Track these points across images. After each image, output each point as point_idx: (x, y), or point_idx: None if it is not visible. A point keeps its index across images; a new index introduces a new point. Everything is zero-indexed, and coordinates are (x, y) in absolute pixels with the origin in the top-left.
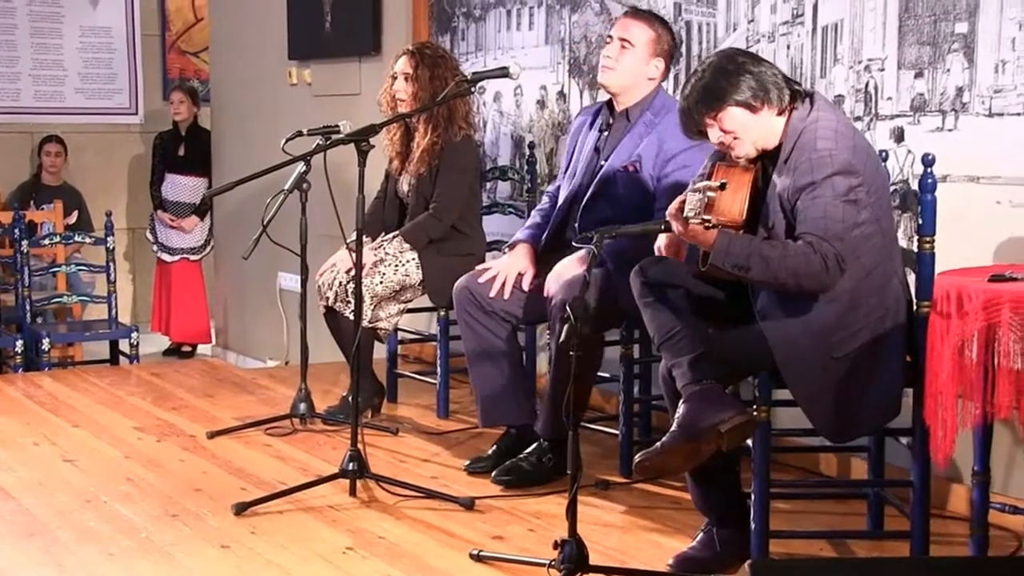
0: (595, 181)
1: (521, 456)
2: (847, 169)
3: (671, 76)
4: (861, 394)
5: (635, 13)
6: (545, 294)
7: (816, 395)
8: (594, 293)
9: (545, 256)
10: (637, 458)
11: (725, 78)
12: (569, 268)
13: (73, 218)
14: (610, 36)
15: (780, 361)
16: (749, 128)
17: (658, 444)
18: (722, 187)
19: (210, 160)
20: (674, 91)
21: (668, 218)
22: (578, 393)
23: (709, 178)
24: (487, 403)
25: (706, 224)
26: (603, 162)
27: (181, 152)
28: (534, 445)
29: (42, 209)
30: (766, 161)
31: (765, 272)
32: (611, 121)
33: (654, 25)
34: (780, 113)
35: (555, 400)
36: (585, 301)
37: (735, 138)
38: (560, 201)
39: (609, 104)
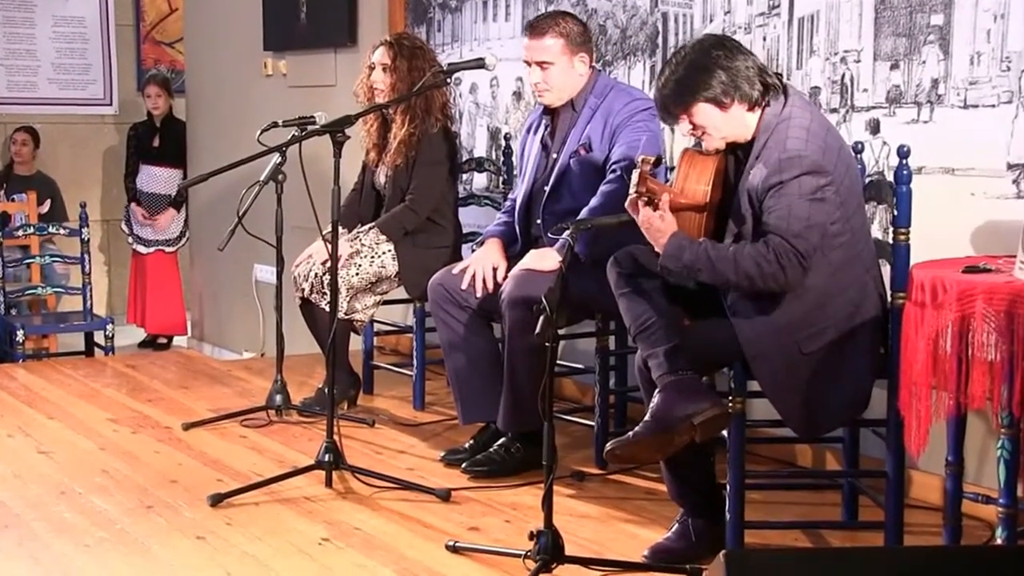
0: (552, 176)
1: (491, 449)
2: (815, 169)
3: (648, 68)
4: (829, 390)
5: (536, 29)
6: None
7: (785, 390)
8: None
9: (514, 256)
10: (609, 446)
11: (697, 73)
12: (536, 260)
13: (46, 207)
14: (526, 62)
15: (749, 356)
16: (719, 123)
17: (630, 433)
18: (657, 162)
19: (185, 151)
20: (651, 82)
21: (627, 207)
22: (531, 386)
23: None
24: (467, 401)
25: (640, 196)
26: (555, 155)
27: (156, 143)
28: (503, 437)
29: (13, 199)
30: (739, 153)
31: (715, 276)
32: (553, 119)
33: (556, 29)
34: (752, 108)
35: (513, 394)
36: (555, 292)
37: (705, 132)
38: (518, 204)
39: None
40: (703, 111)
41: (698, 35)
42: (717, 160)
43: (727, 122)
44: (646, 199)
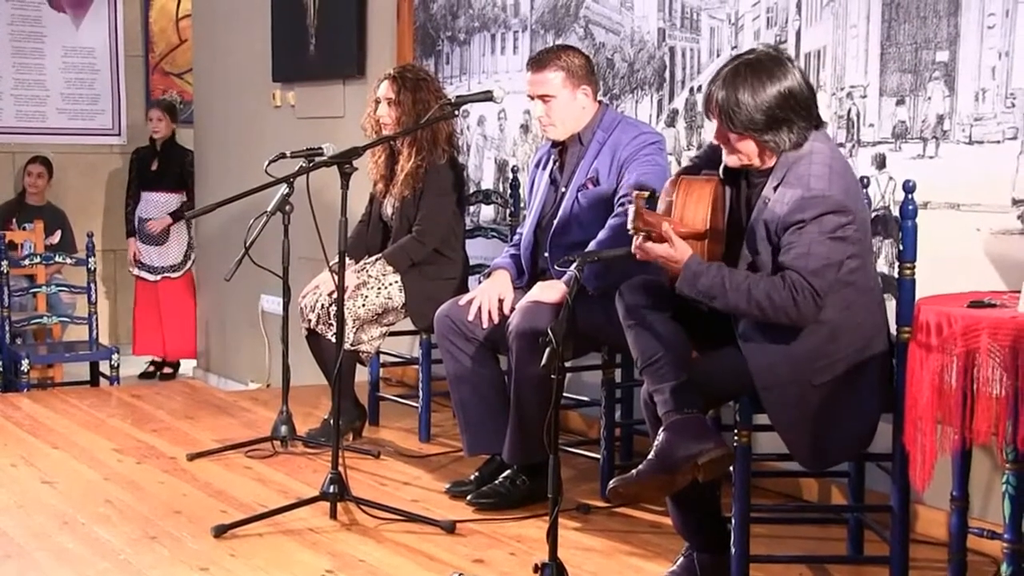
0: (560, 209)
1: (496, 482)
2: (838, 209)
3: (655, 102)
4: (838, 423)
5: (537, 63)
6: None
7: (794, 422)
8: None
9: (521, 288)
10: (611, 484)
11: (771, 122)
12: (543, 292)
13: (56, 238)
14: (529, 96)
15: (760, 386)
16: (752, 156)
17: (634, 472)
18: (651, 196)
19: (184, 176)
20: (658, 116)
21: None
22: (538, 418)
23: (672, 189)
24: (472, 433)
25: (637, 232)
26: (563, 189)
27: (154, 167)
28: (508, 470)
29: (24, 229)
30: (751, 177)
31: (727, 304)
32: (561, 154)
33: (558, 63)
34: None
35: (520, 426)
36: (561, 325)
37: (735, 155)
38: (525, 237)
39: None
40: (747, 143)
41: (704, 71)
42: (714, 185)
43: (760, 156)
44: (644, 234)
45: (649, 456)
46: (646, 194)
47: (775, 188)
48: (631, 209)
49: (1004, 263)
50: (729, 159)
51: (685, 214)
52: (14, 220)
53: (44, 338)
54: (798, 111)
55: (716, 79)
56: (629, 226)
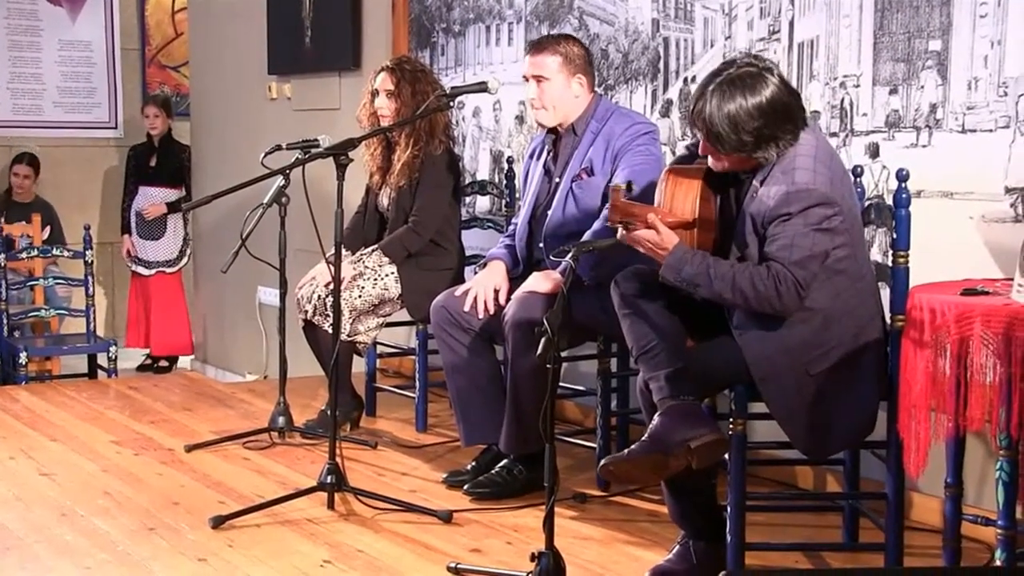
0: (554, 200)
1: (493, 471)
2: (824, 201)
3: (650, 92)
4: (837, 411)
5: (537, 46)
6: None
7: (793, 412)
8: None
9: (517, 279)
10: (604, 462)
11: (755, 142)
12: (539, 282)
13: (46, 233)
14: (525, 78)
15: (757, 378)
16: (736, 166)
17: (626, 451)
18: (629, 187)
19: (182, 172)
20: (652, 106)
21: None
22: (534, 408)
23: (664, 180)
24: (469, 423)
25: (614, 224)
26: (558, 179)
27: (153, 163)
28: (505, 460)
29: (25, 222)
30: (741, 174)
31: (712, 292)
32: (555, 144)
33: (558, 48)
34: None
35: (516, 416)
36: (556, 314)
37: (721, 164)
38: (520, 227)
39: (552, 129)
40: (734, 158)
41: (699, 61)
42: (702, 175)
43: (744, 164)
44: (622, 226)
45: (643, 438)
46: (623, 186)
47: (761, 181)
48: (609, 203)
49: (997, 251)
50: (715, 165)
51: (674, 204)
52: (3, 216)
53: (42, 331)
54: (781, 124)
55: (700, 99)
56: (608, 221)
